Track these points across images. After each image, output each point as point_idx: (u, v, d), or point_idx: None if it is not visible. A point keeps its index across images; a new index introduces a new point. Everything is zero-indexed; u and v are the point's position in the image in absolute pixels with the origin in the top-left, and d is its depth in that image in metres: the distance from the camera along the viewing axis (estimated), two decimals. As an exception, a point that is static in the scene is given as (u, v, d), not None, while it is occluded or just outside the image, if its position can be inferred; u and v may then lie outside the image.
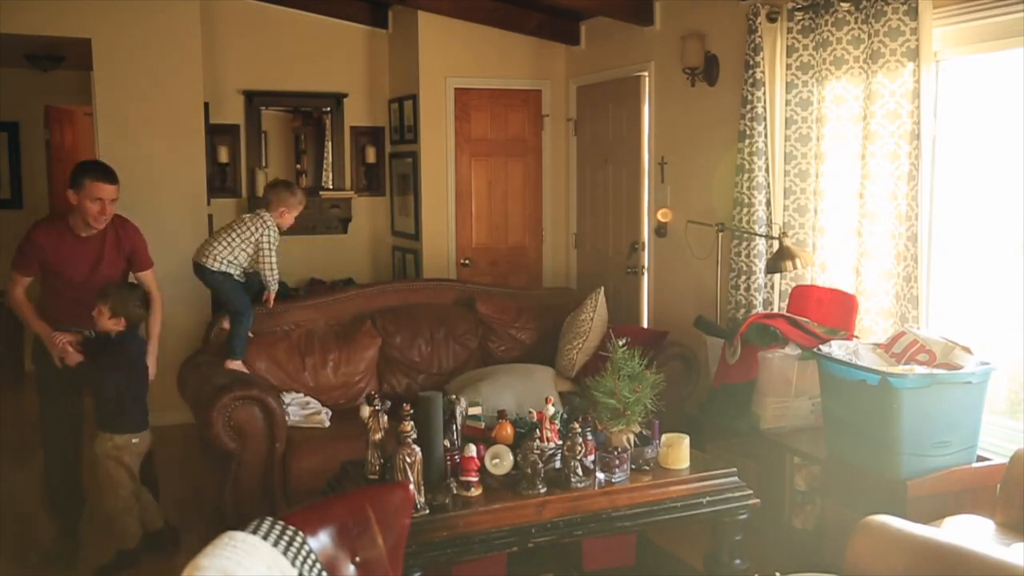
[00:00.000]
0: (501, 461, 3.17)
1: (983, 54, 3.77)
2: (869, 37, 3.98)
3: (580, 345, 4.92)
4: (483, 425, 3.48)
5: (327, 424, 4.42)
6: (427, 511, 2.90)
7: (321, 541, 2.18)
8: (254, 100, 6.79)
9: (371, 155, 7.15)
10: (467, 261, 6.75)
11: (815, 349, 3.76)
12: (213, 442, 4.00)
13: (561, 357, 4.99)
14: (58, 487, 4.15)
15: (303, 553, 2.10)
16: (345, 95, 7.02)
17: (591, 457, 3.17)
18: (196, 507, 4.60)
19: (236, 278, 4.49)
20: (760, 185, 4.63)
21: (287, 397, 4.50)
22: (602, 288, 5.14)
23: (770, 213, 4.67)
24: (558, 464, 3.15)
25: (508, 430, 3.32)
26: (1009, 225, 3.81)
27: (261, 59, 6.77)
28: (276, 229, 4.48)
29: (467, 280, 6.12)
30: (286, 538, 2.10)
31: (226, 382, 4.09)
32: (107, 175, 3.91)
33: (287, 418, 4.23)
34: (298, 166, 7.12)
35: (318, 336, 4.84)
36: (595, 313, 4.97)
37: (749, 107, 4.61)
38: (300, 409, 4.47)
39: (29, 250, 3.96)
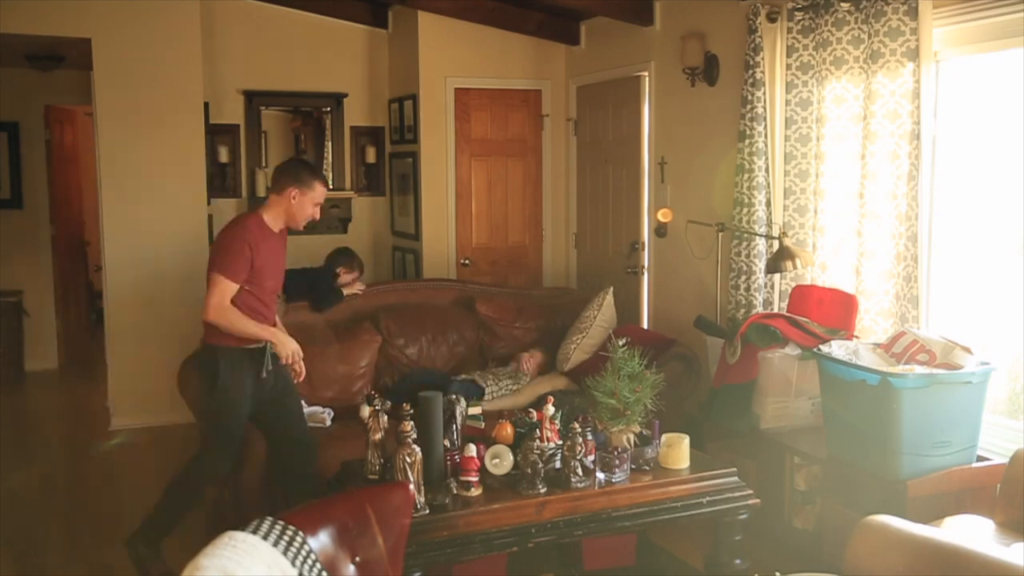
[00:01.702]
0: (501, 461, 3.17)
1: (983, 54, 3.77)
2: (869, 37, 3.98)
3: (579, 341, 4.92)
4: (483, 425, 3.48)
5: (328, 424, 4.42)
6: (427, 511, 2.90)
7: (321, 541, 2.18)
8: (254, 100, 6.79)
9: (371, 155, 7.15)
10: (467, 261, 6.75)
11: (815, 349, 3.76)
12: (213, 442, 3.99)
13: (559, 350, 4.99)
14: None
15: (303, 553, 2.10)
16: (345, 95, 7.02)
17: (591, 457, 3.17)
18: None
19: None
20: (760, 185, 4.63)
21: (287, 397, 4.50)
22: (611, 288, 5.14)
23: (770, 213, 4.67)
24: (558, 464, 3.15)
25: (508, 430, 3.32)
26: (1009, 225, 3.80)
27: (261, 59, 6.77)
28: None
29: (467, 280, 6.11)
30: (286, 538, 2.10)
31: (226, 382, 4.09)
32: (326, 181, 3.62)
33: (287, 418, 4.23)
34: (298, 166, 7.12)
35: (318, 336, 4.84)
36: (599, 312, 4.97)
37: (749, 107, 4.61)
38: (300, 409, 4.47)
39: (241, 250, 3.37)
